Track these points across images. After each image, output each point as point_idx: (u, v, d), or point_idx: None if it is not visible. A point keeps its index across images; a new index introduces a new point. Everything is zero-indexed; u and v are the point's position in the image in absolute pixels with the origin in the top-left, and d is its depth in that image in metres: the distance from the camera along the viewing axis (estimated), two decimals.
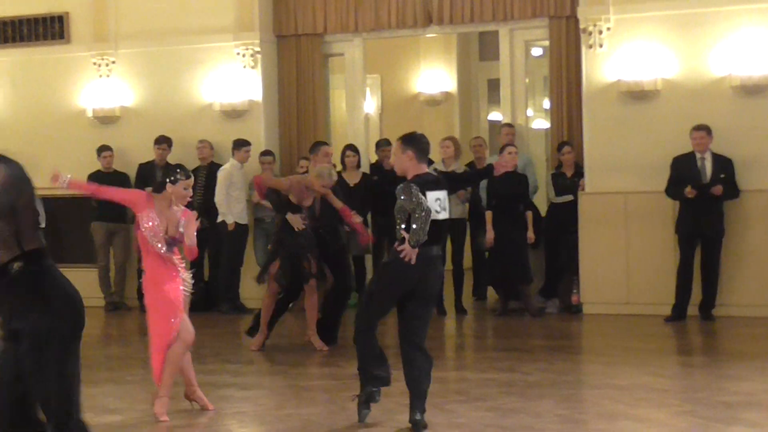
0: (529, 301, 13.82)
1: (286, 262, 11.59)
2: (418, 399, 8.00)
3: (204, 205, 14.77)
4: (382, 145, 15.60)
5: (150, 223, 8.47)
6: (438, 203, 8.01)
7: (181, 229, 8.52)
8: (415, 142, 8.22)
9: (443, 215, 8.08)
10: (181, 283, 8.61)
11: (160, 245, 8.44)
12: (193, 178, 8.76)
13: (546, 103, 17.07)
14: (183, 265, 8.74)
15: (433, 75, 19.10)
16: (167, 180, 8.60)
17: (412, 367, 8.05)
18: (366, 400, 8.28)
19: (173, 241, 8.52)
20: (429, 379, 8.11)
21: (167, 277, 8.53)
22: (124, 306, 15.38)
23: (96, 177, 15.31)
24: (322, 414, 8.65)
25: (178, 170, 8.67)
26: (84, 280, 15.71)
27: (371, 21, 15.02)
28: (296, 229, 11.58)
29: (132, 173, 15.27)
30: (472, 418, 8.37)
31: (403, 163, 8.16)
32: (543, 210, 14.47)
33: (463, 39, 18.83)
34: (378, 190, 14.82)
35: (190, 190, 8.67)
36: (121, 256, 15.36)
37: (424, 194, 7.87)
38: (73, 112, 16.02)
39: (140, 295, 9.32)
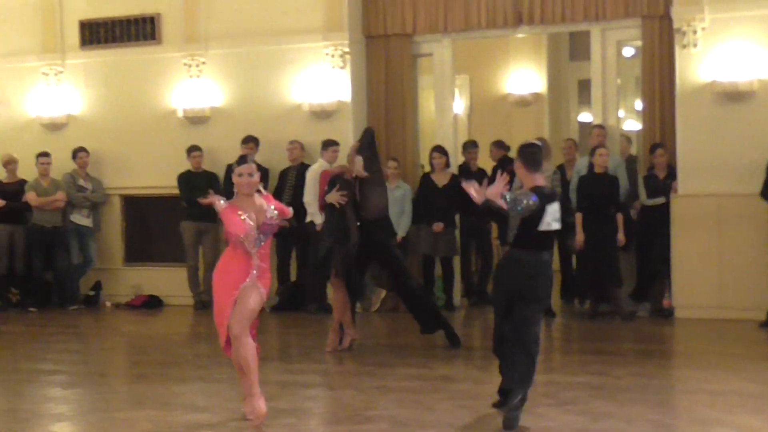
0: (620, 304, 13.64)
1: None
2: (515, 395, 7.98)
3: (293, 205, 14.78)
4: (469, 146, 15.54)
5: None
6: (552, 216, 8.14)
7: (270, 214, 8.43)
8: (521, 152, 8.35)
9: (555, 226, 8.22)
10: (249, 278, 8.45)
11: (249, 245, 8.37)
12: (250, 164, 8.52)
13: (638, 104, 16.85)
14: (264, 266, 8.59)
15: (523, 75, 18.96)
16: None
17: (514, 368, 8.05)
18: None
19: (266, 230, 8.41)
20: (531, 381, 8.19)
21: (238, 272, 8.41)
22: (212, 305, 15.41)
23: (186, 177, 15.46)
24: (411, 415, 8.58)
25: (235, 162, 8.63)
26: (173, 279, 15.94)
27: (461, 21, 14.93)
28: (336, 205, 11.59)
29: (221, 173, 15.33)
30: (562, 422, 8.24)
31: (518, 171, 8.38)
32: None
33: (554, 39, 18.69)
34: (465, 192, 14.75)
35: (247, 176, 8.36)
36: (210, 255, 15.43)
37: (544, 208, 8.04)
38: (164, 112, 16.14)
39: None
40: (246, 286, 8.34)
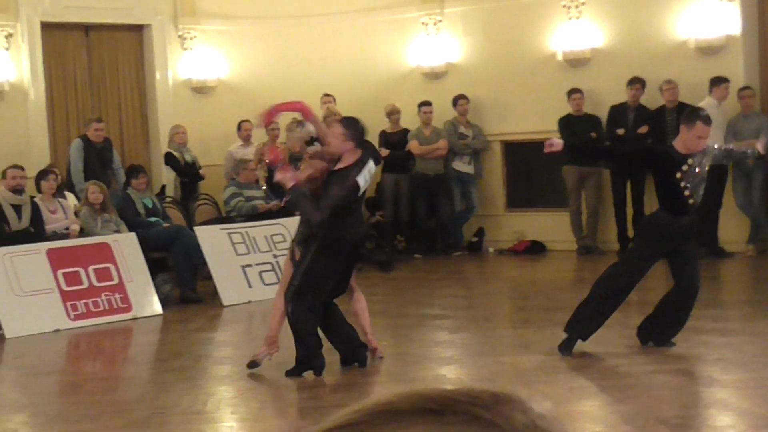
0: None
1: None
2: None
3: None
4: None
5: None
6: None
7: None
8: None
9: None
10: None
11: None
12: None
13: None
14: None
15: None
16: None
17: None
18: None
19: None
20: None
21: None
22: (597, 250, 15.12)
23: (566, 120, 15.17)
24: None
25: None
26: (556, 224, 15.75)
27: None
28: None
29: (603, 116, 14.97)
30: None
31: None
32: None
33: None
34: None
35: None
36: (593, 199, 15.13)
37: None
38: (544, 55, 15.90)
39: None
40: None
